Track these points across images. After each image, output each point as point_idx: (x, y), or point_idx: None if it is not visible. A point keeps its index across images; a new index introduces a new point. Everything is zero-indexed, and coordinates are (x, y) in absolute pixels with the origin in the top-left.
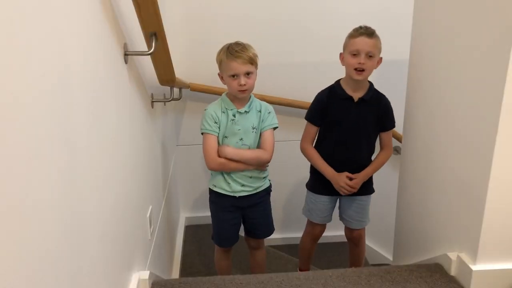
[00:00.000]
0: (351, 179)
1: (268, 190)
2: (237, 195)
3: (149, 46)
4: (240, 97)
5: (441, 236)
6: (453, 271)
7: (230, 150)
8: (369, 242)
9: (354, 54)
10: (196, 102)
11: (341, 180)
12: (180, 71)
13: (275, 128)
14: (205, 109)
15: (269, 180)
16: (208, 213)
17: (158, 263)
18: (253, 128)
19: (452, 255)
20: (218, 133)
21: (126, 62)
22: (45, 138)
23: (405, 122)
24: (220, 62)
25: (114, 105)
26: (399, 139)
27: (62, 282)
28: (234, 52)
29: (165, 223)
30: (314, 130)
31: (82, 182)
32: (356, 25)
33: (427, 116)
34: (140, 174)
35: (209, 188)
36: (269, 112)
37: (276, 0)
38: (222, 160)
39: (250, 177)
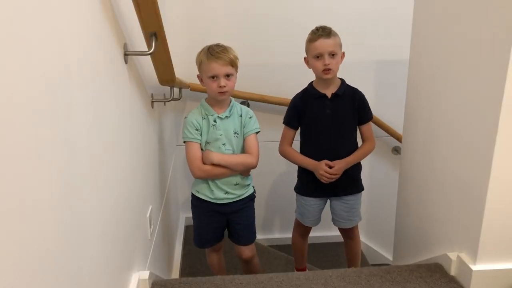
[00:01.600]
0: (330, 167)
1: (251, 197)
2: (219, 202)
3: (149, 46)
4: (219, 99)
5: (441, 236)
6: (453, 271)
7: (216, 156)
8: (369, 242)
9: (318, 57)
10: (196, 102)
11: (320, 168)
12: (180, 71)
13: (257, 133)
14: (185, 117)
15: (253, 187)
16: None
17: (158, 263)
18: (235, 133)
19: (452, 255)
20: (201, 140)
21: (126, 62)
22: (45, 138)
23: (405, 122)
24: (200, 63)
25: (114, 105)
26: (399, 139)
27: (62, 282)
28: (214, 53)
29: (165, 223)
30: (291, 133)
31: (82, 182)
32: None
33: (427, 116)
34: (140, 174)
35: (191, 193)
36: (251, 117)
37: (276, 0)
38: (208, 167)
39: (235, 184)
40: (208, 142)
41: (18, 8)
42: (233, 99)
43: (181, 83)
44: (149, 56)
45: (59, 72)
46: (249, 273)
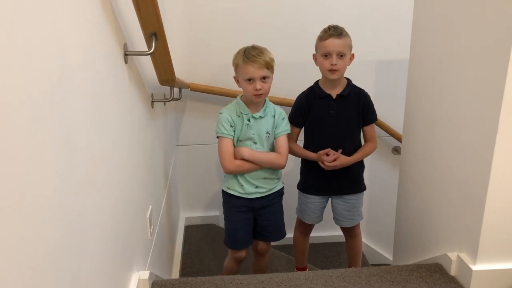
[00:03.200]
0: (328, 154)
1: (280, 192)
2: (250, 196)
3: (149, 46)
4: (255, 101)
5: (441, 236)
6: (453, 271)
7: (247, 152)
8: (369, 242)
9: (326, 56)
10: (196, 102)
11: (319, 155)
12: (180, 71)
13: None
14: (220, 113)
15: (282, 182)
16: (209, 213)
17: (158, 263)
18: (267, 133)
19: (452, 255)
20: (233, 137)
21: (126, 62)
22: (45, 138)
23: (405, 122)
24: (236, 66)
25: (114, 105)
26: (399, 139)
27: (62, 282)
28: (250, 56)
29: (165, 223)
30: (295, 130)
31: (82, 182)
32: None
33: (427, 116)
34: (140, 174)
35: (222, 190)
36: (283, 118)
37: (276, 0)
38: (238, 162)
39: (264, 178)
40: (240, 140)
41: (18, 8)
42: (267, 99)
43: (181, 83)
44: (149, 56)
45: (59, 72)
46: (258, 267)
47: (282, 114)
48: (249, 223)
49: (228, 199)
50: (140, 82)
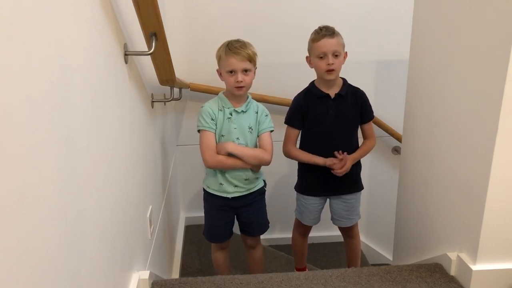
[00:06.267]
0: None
1: (262, 190)
2: (229, 196)
3: (149, 46)
4: (236, 94)
5: (441, 236)
6: (453, 271)
7: (231, 145)
8: (369, 242)
9: (321, 57)
10: (196, 102)
11: (330, 160)
12: (180, 71)
13: (271, 132)
14: (201, 107)
15: (264, 180)
16: None
17: (158, 263)
18: (250, 128)
19: (452, 255)
20: (215, 130)
21: (126, 62)
22: (45, 138)
23: (405, 122)
24: (219, 58)
25: (114, 105)
26: (399, 139)
27: (62, 282)
28: (233, 48)
29: (165, 223)
30: (295, 133)
31: (82, 182)
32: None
33: (427, 116)
34: (140, 174)
35: (203, 187)
36: (266, 115)
37: (276, 0)
38: (221, 157)
39: (245, 179)
40: (222, 135)
41: (18, 8)
42: (250, 95)
43: (181, 83)
44: (149, 56)
45: (59, 72)
46: (252, 261)
47: (265, 111)
48: (229, 221)
49: (208, 197)
50: (140, 82)
